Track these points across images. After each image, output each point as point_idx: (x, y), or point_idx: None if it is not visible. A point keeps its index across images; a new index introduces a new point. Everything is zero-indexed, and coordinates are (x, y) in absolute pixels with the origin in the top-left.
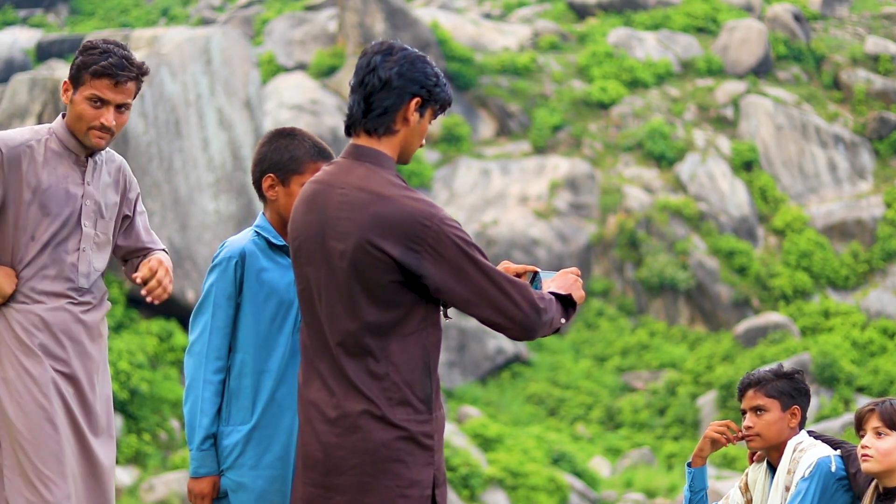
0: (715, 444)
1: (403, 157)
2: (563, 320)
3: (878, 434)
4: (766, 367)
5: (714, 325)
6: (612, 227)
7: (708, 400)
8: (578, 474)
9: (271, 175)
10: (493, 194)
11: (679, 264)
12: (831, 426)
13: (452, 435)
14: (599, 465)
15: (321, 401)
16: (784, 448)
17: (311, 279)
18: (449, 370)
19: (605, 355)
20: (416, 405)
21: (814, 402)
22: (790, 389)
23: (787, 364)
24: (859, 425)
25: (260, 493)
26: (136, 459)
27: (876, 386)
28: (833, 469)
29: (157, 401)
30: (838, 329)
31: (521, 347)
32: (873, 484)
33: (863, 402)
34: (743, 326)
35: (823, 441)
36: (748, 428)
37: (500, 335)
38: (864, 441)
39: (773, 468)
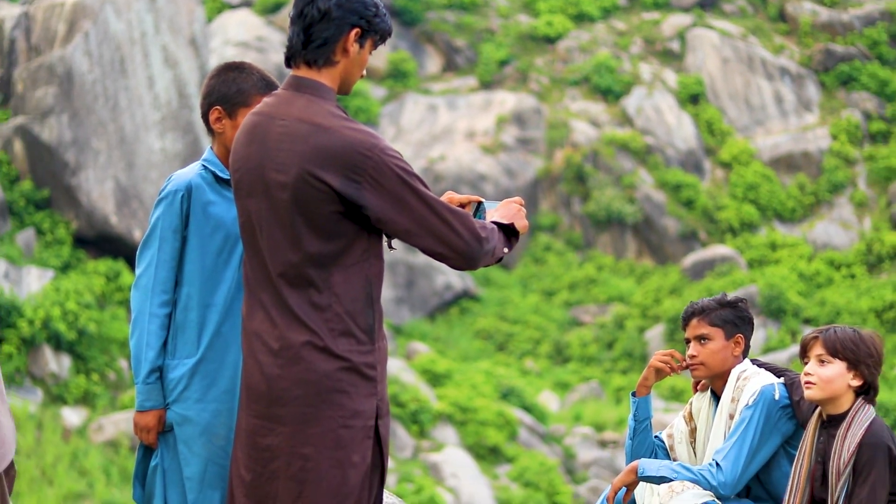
0: (659, 373)
1: (344, 88)
2: (505, 250)
3: (822, 362)
4: (710, 297)
5: (661, 258)
6: (559, 162)
7: (656, 333)
8: (527, 409)
9: (218, 108)
10: (440, 130)
11: (626, 198)
12: (779, 357)
13: (401, 371)
14: (548, 400)
15: (264, 332)
16: (728, 376)
17: (252, 211)
18: (397, 306)
19: (553, 290)
20: (358, 336)
21: (761, 334)
22: (733, 318)
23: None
24: (803, 353)
25: (205, 427)
26: (84, 400)
27: (822, 317)
28: (777, 397)
29: (105, 341)
30: (785, 261)
31: (470, 283)
32: (817, 411)
33: None
34: (690, 259)
35: (767, 369)
36: (692, 357)
37: (449, 271)
38: (807, 368)
39: (717, 397)
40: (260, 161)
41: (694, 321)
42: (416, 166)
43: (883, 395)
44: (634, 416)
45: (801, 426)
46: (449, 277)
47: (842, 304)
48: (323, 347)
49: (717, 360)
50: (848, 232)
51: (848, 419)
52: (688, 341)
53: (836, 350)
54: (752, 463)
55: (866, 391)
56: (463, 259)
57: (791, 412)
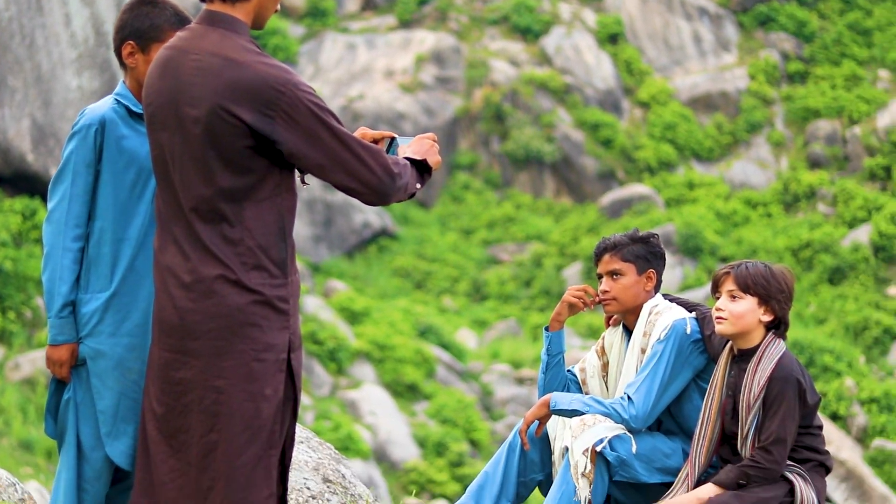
0: (572, 308)
1: (258, 23)
2: (418, 185)
3: (733, 297)
4: (622, 232)
5: (579, 197)
6: (478, 101)
7: (573, 271)
8: (445, 346)
9: (131, 42)
10: (359, 69)
11: (545, 137)
12: (695, 296)
13: (319, 309)
14: (466, 337)
15: (176, 266)
16: (640, 311)
17: (164, 145)
18: (315, 244)
19: (472, 228)
20: (270, 269)
21: (678, 272)
22: (645, 253)
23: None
24: (715, 288)
25: (118, 361)
26: (1, 338)
27: (739, 256)
28: (688, 331)
29: (21, 279)
30: (702, 200)
31: (388, 221)
32: (728, 346)
33: None
34: (608, 198)
35: (679, 304)
36: (604, 292)
37: (367, 209)
38: (719, 304)
39: (629, 331)
40: (173, 95)
41: (606, 257)
42: (335, 105)
43: (797, 333)
44: (548, 350)
45: (712, 360)
46: (367, 216)
47: (758, 242)
48: (235, 281)
49: (629, 295)
50: (765, 171)
51: (758, 354)
52: (600, 276)
53: (748, 286)
54: (663, 396)
55: (777, 326)
56: (375, 194)
57: (702, 346)
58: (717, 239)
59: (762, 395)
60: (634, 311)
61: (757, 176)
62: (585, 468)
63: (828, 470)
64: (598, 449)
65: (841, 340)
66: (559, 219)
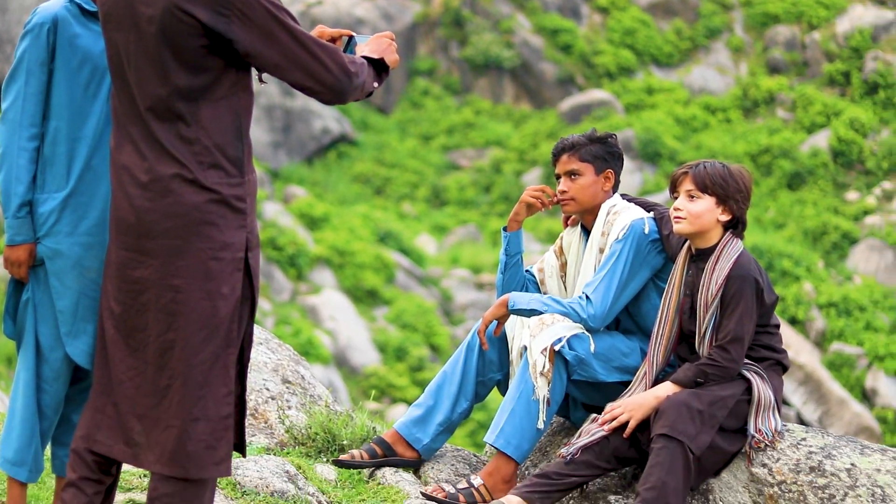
0: (531, 208)
1: None
2: (375, 84)
3: (691, 197)
4: (580, 133)
5: (539, 102)
6: (437, 6)
7: (533, 177)
8: (405, 252)
9: None
10: None
11: (504, 43)
12: (655, 201)
13: (279, 215)
14: (425, 243)
15: (133, 165)
16: (598, 211)
17: (119, 44)
18: (275, 151)
19: (431, 134)
20: (227, 168)
21: (637, 177)
22: (603, 153)
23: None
24: (673, 188)
25: (76, 260)
26: None
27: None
28: (646, 231)
29: None
30: (661, 105)
31: (348, 127)
32: (686, 245)
33: None
34: (567, 104)
35: (636, 204)
36: (563, 192)
37: (327, 114)
38: (677, 203)
39: (587, 231)
40: None
41: (564, 157)
42: (294, 10)
43: (756, 238)
44: (506, 250)
45: (670, 260)
46: (326, 122)
47: (717, 148)
48: (192, 180)
49: (588, 195)
50: (724, 77)
51: (716, 253)
52: (558, 177)
53: (706, 185)
54: (621, 296)
55: (734, 226)
56: (332, 93)
57: (660, 246)
58: (676, 144)
59: (720, 294)
60: (592, 212)
61: (716, 81)
62: (544, 367)
63: (785, 368)
64: (557, 348)
65: (800, 245)
66: (518, 124)
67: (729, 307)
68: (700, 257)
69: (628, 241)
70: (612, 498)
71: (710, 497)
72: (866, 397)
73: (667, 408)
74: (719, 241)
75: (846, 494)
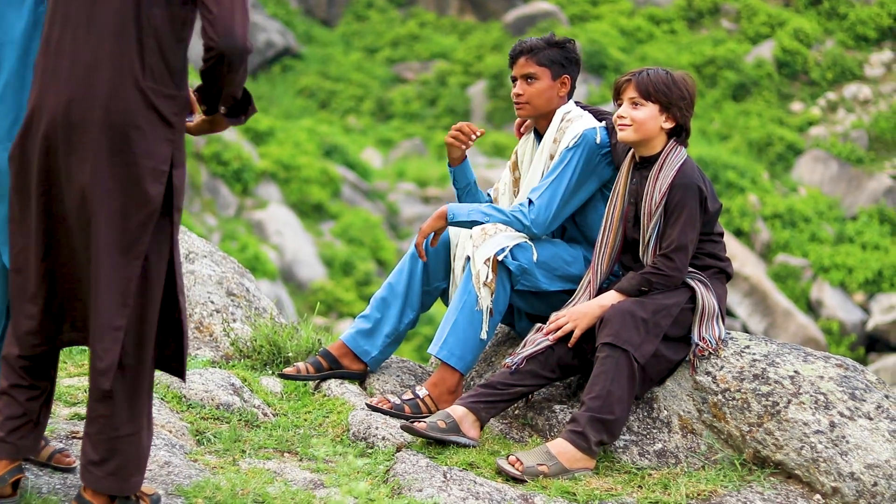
0: (452, 147)
1: None
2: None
3: (634, 104)
4: (539, 36)
5: (483, 14)
6: None
7: (478, 89)
8: (350, 166)
9: None
10: None
11: None
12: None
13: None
14: (371, 157)
15: (63, 67)
16: (552, 117)
17: None
18: None
19: (376, 47)
20: (164, 78)
21: (582, 89)
22: (561, 58)
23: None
24: (616, 95)
25: (3, 169)
26: None
27: None
28: (598, 141)
29: None
30: (606, 17)
31: (292, 41)
32: (630, 153)
33: None
34: (512, 15)
35: (590, 112)
36: (518, 95)
37: (271, 29)
38: (621, 111)
39: (540, 137)
40: None
41: (521, 59)
42: None
43: (701, 150)
44: (454, 184)
45: (616, 169)
46: (270, 35)
47: (662, 59)
48: (130, 82)
49: (543, 99)
50: None
51: (660, 160)
52: (514, 79)
53: (649, 92)
54: (567, 205)
55: (678, 133)
56: (225, 40)
57: (611, 157)
58: (621, 56)
59: (663, 202)
60: (547, 117)
61: None
62: (487, 278)
63: (728, 277)
64: (500, 258)
65: (744, 157)
66: (463, 37)
67: (673, 215)
68: (644, 165)
69: (579, 149)
70: (556, 407)
71: (655, 405)
72: (811, 309)
73: (611, 316)
74: (663, 149)
75: (790, 402)
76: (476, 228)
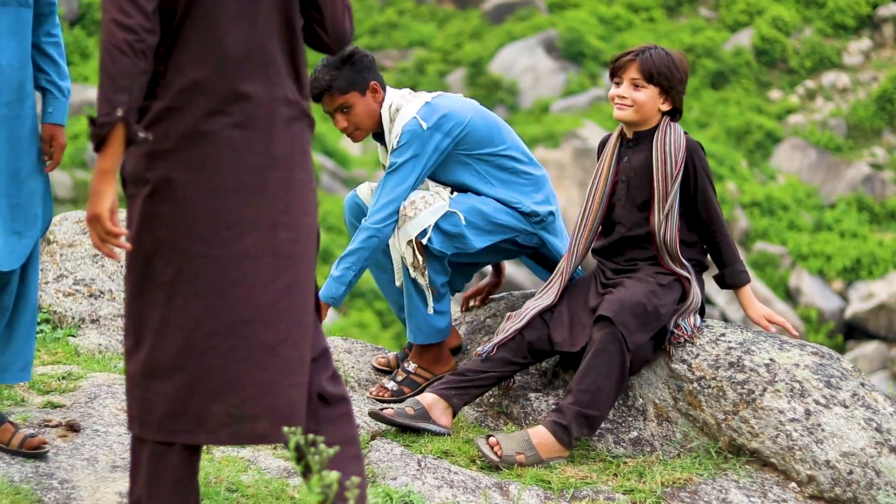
0: None
1: None
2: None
3: (636, 86)
4: (324, 65)
5: (462, 2)
6: None
7: (457, 77)
8: (329, 154)
9: None
10: None
11: None
12: (579, 101)
13: None
14: (350, 145)
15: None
16: (381, 120)
17: None
18: None
19: (355, 34)
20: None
21: (560, 77)
22: (356, 73)
23: (535, 39)
24: (616, 72)
25: None
26: None
27: None
28: (423, 126)
29: None
30: (585, 5)
31: None
32: (616, 134)
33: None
34: (491, 3)
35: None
36: (345, 128)
37: None
38: (622, 91)
39: (382, 140)
40: None
41: (325, 98)
42: None
43: None
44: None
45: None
46: None
47: None
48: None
49: (366, 116)
50: None
51: (661, 131)
52: (331, 114)
53: (652, 75)
54: (401, 195)
55: (673, 114)
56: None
57: (446, 125)
58: (600, 44)
59: (683, 162)
60: (377, 125)
61: None
62: (415, 260)
63: (705, 268)
64: (424, 242)
65: (723, 145)
66: (442, 25)
67: (698, 174)
68: (637, 142)
69: (405, 149)
70: (532, 395)
71: (630, 394)
72: (790, 296)
73: (619, 296)
74: (658, 123)
75: (765, 390)
76: (400, 212)
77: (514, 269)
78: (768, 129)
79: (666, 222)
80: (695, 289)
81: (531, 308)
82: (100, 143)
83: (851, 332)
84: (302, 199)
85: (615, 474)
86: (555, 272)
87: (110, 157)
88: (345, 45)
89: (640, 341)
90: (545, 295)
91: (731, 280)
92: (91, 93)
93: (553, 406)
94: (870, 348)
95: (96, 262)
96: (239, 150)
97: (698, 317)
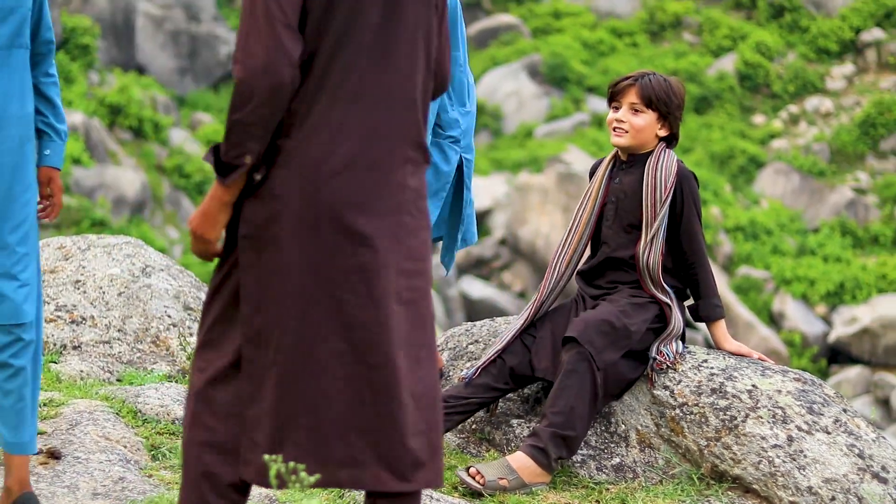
0: None
1: None
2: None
3: (635, 111)
4: None
5: None
6: None
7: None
8: None
9: None
10: None
11: None
12: (563, 126)
13: (185, 142)
14: None
15: None
16: None
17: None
18: (181, 77)
19: None
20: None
21: (544, 102)
22: None
23: (519, 64)
24: (614, 97)
25: None
26: None
27: (605, 86)
28: None
29: None
30: (568, 30)
31: None
32: (610, 158)
33: (594, 102)
34: (475, 28)
35: None
36: None
37: (232, 39)
38: (620, 115)
39: None
40: None
41: None
42: None
43: None
44: None
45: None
46: (232, 47)
47: (625, 72)
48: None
49: None
50: (630, 0)
51: (655, 155)
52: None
53: (651, 100)
54: None
55: (669, 140)
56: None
57: None
58: (584, 69)
59: (673, 187)
60: None
61: (623, 5)
62: None
63: (687, 295)
64: None
65: (707, 169)
66: None
67: (685, 201)
68: (631, 164)
69: None
70: (514, 422)
71: (612, 420)
72: (773, 321)
73: (583, 318)
74: (654, 148)
75: (747, 416)
76: None
77: (497, 294)
78: (752, 153)
79: (650, 247)
80: (676, 315)
81: (510, 330)
82: (222, 174)
83: (835, 356)
84: (422, 244)
85: (597, 501)
86: (540, 288)
87: (232, 191)
88: (445, 89)
89: (609, 359)
90: (523, 315)
91: (706, 313)
92: (76, 117)
93: (529, 431)
94: (853, 372)
95: (78, 289)
96: (370, 194)
97: (680, 343)
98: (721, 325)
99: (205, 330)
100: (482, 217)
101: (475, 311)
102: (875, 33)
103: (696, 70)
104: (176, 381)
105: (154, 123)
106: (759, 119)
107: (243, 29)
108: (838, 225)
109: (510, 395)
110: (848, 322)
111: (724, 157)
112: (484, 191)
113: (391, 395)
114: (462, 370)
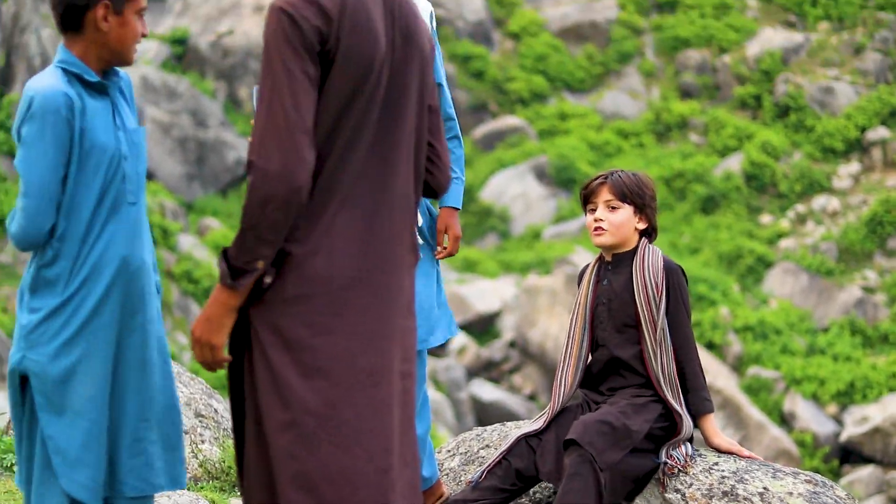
0: None
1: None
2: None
3: (611, 207)
4: None
5: None
6: None
7: None
8: None
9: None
10: (228, 4)
11: None
12: (570, 227)
13: (194, 248)
14: None
15: None
16: None
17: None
18: (189, 183)
19: None
20: None
21: (551, 204)
22: None
23: (526, 166)
24: (588, 199)
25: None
26: None
27: None
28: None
29: None
30: (575, 131)
31: None
32: (595, 262)
33: None
34: (481, 131)
35: None
36: None
37: (241, 146)
38: (598, 214)
39: None
40: None
41: None
42: (204, 41)
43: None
44: None
45: None
46: (240, 153)
47: None
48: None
49: None
50: (636, 101)
51: (640, 251)
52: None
53: (624, 194)
54: None
55: (648, 234)
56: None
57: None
58: (591, 170)
59: (664, 283)
60: None
61: (628, 106)
62: None
63: (687, 390)
64: None
65: (715, 270)
66: None
67: (672, 296)
68: (616, 265)
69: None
70: None
71: None
72: (784, 421)
73: (582, 420)
74: (637, 245)
75: None
76: None
77: (507, 397)
78: (760, 253)
79: (660, 350)
80: (686, 419)
81: (517, 433)
82: (232, 278)
83: (847, 456)
84: (413, 345)
85: None
86: (548, 407)
87: (240, 296)
88: (444, 191)
89: (611, 460)
90: (535, 422)
91: (695, 407)
92: None
93: None
94: (865, 472)
95: None
96: (381, 296)
97: (690, 445)
98: (711, 420)
99: None
100: (491, 319)
101: (486, 413)
102: (880, 132)
103: (702, 170)
104: (188, 489)
105: (163, 230)
106: (766, 219)
107: (258, 132)
108: (848, 324)
109: (520, 498)
110: (859, 422)
111: (732, 258)
112: (492, 293)
113: None
114: (471, 473)
